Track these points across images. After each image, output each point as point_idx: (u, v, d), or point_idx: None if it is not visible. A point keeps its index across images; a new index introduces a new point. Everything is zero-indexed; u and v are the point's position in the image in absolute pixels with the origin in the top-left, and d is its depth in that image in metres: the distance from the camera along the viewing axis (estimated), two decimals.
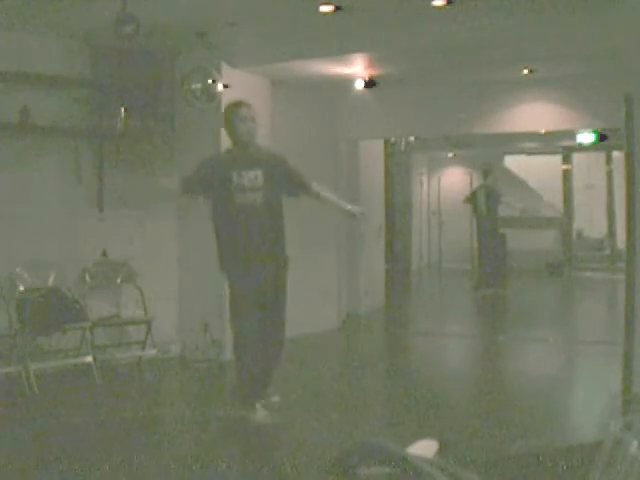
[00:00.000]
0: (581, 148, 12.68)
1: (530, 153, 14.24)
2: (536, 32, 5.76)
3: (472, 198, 11.68)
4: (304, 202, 5.02)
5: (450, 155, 15.25)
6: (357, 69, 6.92)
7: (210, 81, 6.34)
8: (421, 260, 15.45)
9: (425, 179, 15.80)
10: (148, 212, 6.74)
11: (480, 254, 11.78)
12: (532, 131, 9.60)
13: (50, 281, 6.13)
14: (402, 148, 13.48)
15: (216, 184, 4.70)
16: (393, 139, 12.31)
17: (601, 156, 14.09)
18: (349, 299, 9.08)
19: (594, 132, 10.58)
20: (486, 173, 11.50)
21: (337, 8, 5.60)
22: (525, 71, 7.20)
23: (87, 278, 6.42)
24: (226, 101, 6.50)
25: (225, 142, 6.43)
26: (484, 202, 11.25)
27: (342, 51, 6.40)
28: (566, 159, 14.14)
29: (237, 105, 4.91)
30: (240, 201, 4.63)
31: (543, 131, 9.65)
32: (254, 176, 4.67)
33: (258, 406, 4.72)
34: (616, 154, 13.05)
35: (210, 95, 6.37)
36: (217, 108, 6.50)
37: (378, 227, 10.17)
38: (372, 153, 10.02)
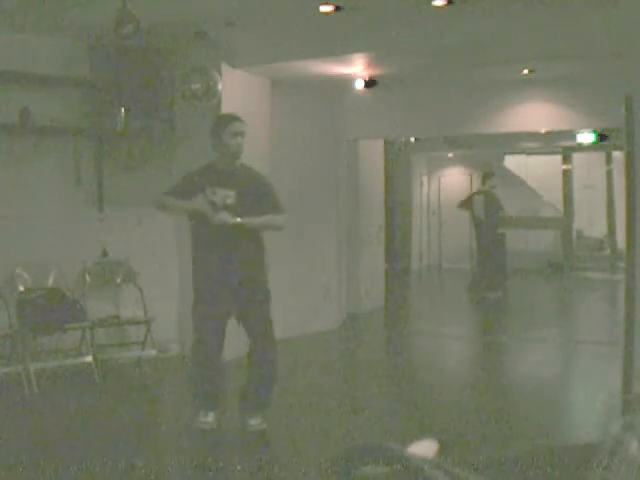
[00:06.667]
0: (581, 148, 12.67)
1: (530, 153, 14.23)
2: (536, 32, 5.76)
3: (468, 203, 11.44)
4: (304, 203, 5.00)
5: (450, 155, 15.23)
6: (357, 69, 6.92)
7: (210, 81, 6.34)
8: (421, 260, 15.44)
9: (425, 179, 15.79)
10: (148, 212, 6.73)
11: (479, 258, 11.70)
12: (532, 131, 9.59)
13: (50, 281, 6.14)
14: (402, 148, 13.48)
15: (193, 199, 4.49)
16: (393, 139, 12.30)
17: (601, 156, 14.08)
18: (349, 299, 9.08)
19: (594, 132, 10.57)
20: (485, 178, 11.36)
21: (337, 8, 5.60)
22: (525, 71, 7.19)
23: (87, 278, 6.42)
24: (226, 101, 6.54)
25: None
26: (483, 209, 11.07)
27: (342, 51, 6.40)
28: (566, 159, 14.13)
29: (229, 119, 4.66)
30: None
31: (543, 131, 9.65)
32: (226, 195, 4.47)
33: (203, 412, 4.58)
34: (616, 154, 13.04)
35: (210, 95, 6.37)
36: (217, 108, 6.51)
37: (378, 227, 10.16)
38: (372, 153, 10.02)
